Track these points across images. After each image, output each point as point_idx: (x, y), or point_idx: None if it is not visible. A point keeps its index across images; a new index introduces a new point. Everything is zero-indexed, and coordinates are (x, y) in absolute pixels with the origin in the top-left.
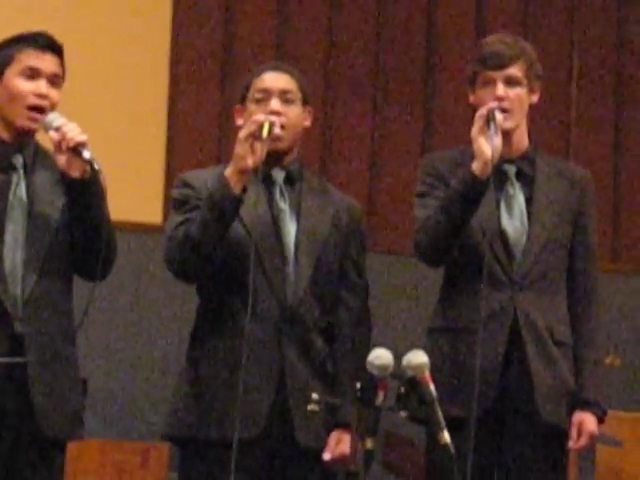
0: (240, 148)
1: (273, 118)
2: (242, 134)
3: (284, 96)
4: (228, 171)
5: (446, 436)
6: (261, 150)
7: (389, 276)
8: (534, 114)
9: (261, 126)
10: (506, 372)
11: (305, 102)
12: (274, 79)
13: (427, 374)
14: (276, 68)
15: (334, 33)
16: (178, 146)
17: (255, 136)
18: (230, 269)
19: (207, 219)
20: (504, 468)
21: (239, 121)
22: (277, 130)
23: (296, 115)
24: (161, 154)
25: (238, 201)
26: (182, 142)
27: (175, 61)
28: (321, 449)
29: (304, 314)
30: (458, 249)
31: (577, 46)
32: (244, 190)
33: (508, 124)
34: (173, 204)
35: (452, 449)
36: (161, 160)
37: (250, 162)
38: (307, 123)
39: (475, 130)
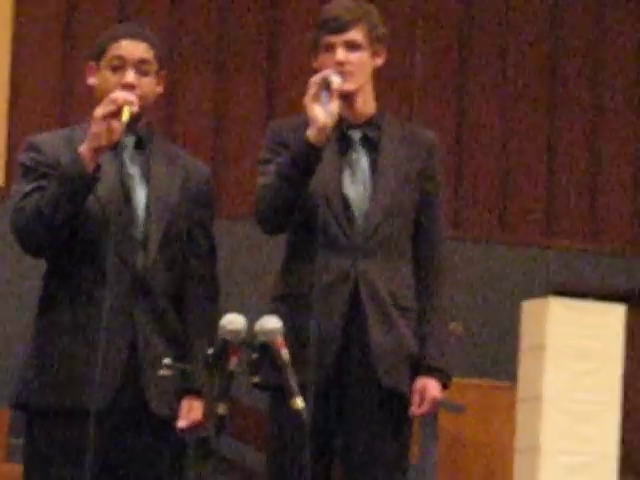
0: (96, 127)
1: (131, 98)
2: (99, 113)
3: (140, 67)
4: (83, 148)
5: (299, 402)
6: (118, 130)
7: (235, 242)
8: (377, 80)
9: (120, 108)
10: (347, 338)
11: (160, 69)
12: (131, 48)
13: (280, 339)
14: (134, 36)
15: None
16: (21, 106)
17: (112, 116)
18: (80, 236)
19: (59, 195)
20: (345, 434)
21: (91, 80)
22: (135, 109)
23: (150, 86)
24: (3, 115)
25: (92, 180)
26: (25, 103)
27: (18, 23)
28: (175, 417)
29: (154, 281)
30: (299, 215)
31: (420, 14)
32: (97, 168)
33: (349, 86)
34: (22, 170)
35: (304, 415)
36: (3, 121)
37: (105, 141)
38: (159, 89)
39: (308, 97)
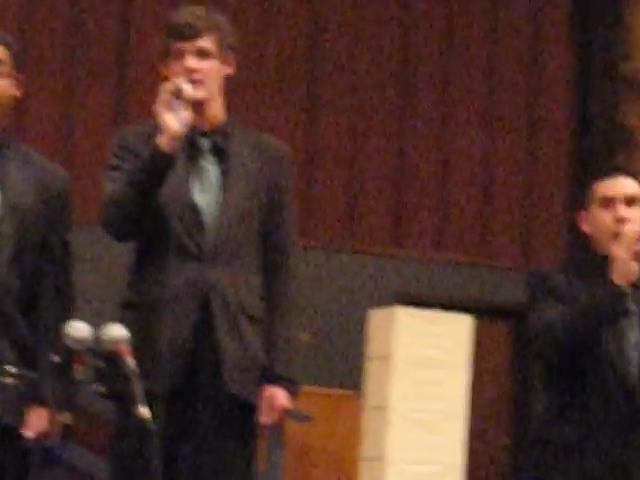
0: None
1: None
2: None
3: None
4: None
5: (144, 411)
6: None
7: (84, 248)
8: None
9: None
10: (196, 347)
11: (16, 71)
12: None
13: (125, 348)
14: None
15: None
16: None
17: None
18: None
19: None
20: (192, 442)
21: None
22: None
23: (4, 88)
24: None
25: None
26: None
27: None
28: (20, 426)
29: (4, 287)
30: (148, 222)
31: (271, 23)
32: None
33: (199, 94)
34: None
35: (150, 424)
36: None
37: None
38: (15, 93)
39: (159, 104)
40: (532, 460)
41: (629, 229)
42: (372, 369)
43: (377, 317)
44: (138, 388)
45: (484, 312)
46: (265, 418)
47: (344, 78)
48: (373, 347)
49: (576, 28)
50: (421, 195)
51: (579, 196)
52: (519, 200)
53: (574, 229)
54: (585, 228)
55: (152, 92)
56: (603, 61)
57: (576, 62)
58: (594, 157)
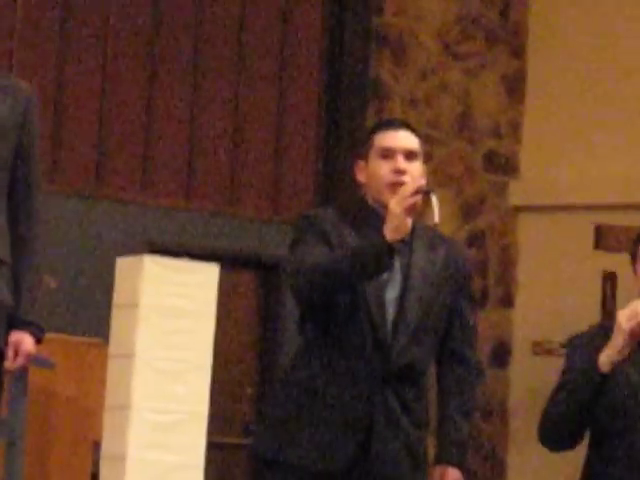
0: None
1: None
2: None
3: None
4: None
5: None
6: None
7: None
8: None
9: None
10: None
11: None
12: None
13: None
14: None
15: None
16: None
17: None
18: None
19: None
20: None
21: None
22: None
23: None
24: None
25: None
26: None
27: None
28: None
29: None
30: None
31: None
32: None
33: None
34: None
35: None
36: None
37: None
38: None
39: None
40: (277, 400)
41: (406, 183)
42: (118, 317)
43: (125, 265)
44: None
45: (232, 261)
46: (10, 363)
47: (95, 27)
48: (120, 295)
49: None
50: (168, 144)
51: (330, 148)
52: (268, 150)
53: (321, 180)
54: (360, 178)
55: None
56: (355, 15)
57: (328, 15)
58: (345, 110)
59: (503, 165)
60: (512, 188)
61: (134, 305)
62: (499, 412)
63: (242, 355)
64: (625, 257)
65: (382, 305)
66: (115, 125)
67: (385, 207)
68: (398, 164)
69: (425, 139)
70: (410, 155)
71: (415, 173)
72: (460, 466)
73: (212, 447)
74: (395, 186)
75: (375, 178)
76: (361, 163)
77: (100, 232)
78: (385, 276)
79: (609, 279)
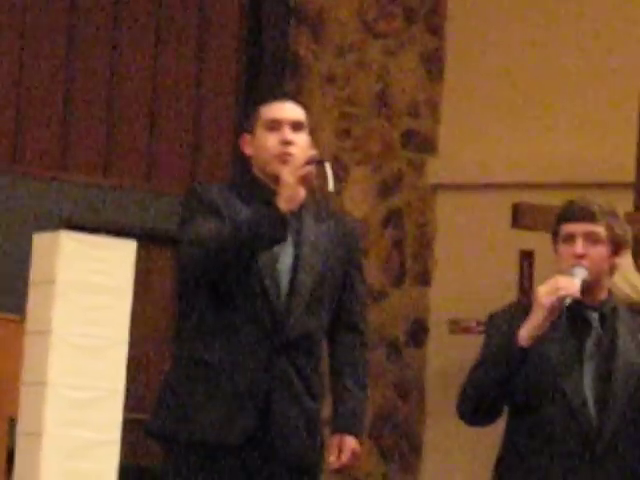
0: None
1: None
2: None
3: None
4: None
5: None
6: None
7: None
8: None
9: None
10: None
11: None
12: None
13: None
14: None
15: None
16: None
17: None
18: None
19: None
20: None
21: None
22: None
23: None
24: None
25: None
26: None
27: None
28: None
29: None
30: None
31: None
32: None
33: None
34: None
35: None
36: None
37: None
38: None
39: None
40: (171, 378)
41: (293, 154)
42: (35, 294)
43: (41, 241)
44: None
45: (149, 238)
46: None
47: None
48: (37, 271)
49: None
50: (85, 120)
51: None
52: (186, 127)
53: (240, 155)
54: (247, 151)
55: None
56: None
57: None
58: (264, 87)
59: (421, 143)
60: (430, 166)
61: (51, 281)
62: (415, 390)
63: (159, 332)
64: (542, 235)
65: (275, 276)
66: (32, 101)
67: (273, 179)
68: (285, 135)
69: (343, 116)
70: (297, 126)
71: (302, 144)
72: (357, 435)
73: (129, 424)
74: (283, 157)
75: (262, 150)
76: (247, 136)
77: (16, 208)
78: (276, 247)
79: (526, 257)
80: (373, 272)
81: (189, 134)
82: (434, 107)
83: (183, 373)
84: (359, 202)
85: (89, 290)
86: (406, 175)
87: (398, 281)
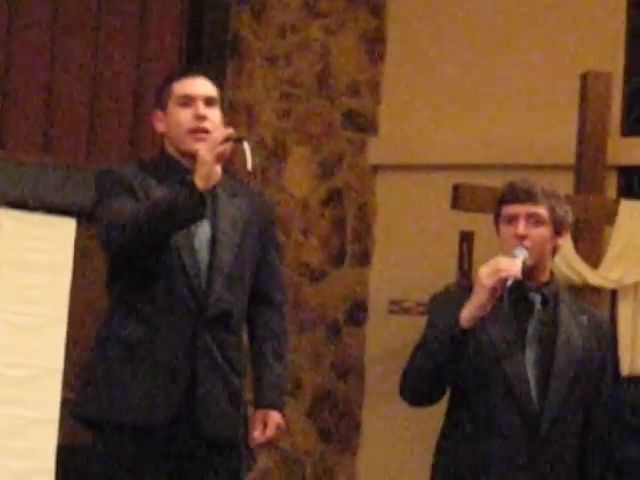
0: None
1: None
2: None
3: None
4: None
5: None
6: None
7: None
8: None
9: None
10: None
11: None
12: None
13: None
14: None
15: None
16: None
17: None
18: None
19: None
20: None
21: None
22: None
23: None
24: None
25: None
26: None
27: None
28: None
29: None
30: None
31: None
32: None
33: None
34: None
35: None
36: None
37: None
38: None
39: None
40: (94, 360)
41: (207, 129)
42: None
43: None
44: None
45: (88, 216)
46: None
47: None
48: None
49: None
50: (25, 97)
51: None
52: (127, 105)
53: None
54: (159, 128)
55: None
56: None
57: None
58: (205, 68)
59: (362, 124)
60: (370, 147)
61: None
62: (355, 371)
63: (98, 311)
64: (482, 217)
65: (194, 253)
66: None
67: (187, 155)
68: (199, 110)
69: (284, 97)
70: (209, 101)
71: (215, 119)
72: (280, 409)
73: (67, 402)
74: (196, 132)
75: (175, 126)
76: (159, 113)
77: None
78: (194, 226)
79: (466, 239)
80: (313, 252)
81: (130, 113)
82: (375, 87)
83: (105, 354)
84: (299, 182)
85: (28, 268)
86: (346, 155)
87: (338, 261)
